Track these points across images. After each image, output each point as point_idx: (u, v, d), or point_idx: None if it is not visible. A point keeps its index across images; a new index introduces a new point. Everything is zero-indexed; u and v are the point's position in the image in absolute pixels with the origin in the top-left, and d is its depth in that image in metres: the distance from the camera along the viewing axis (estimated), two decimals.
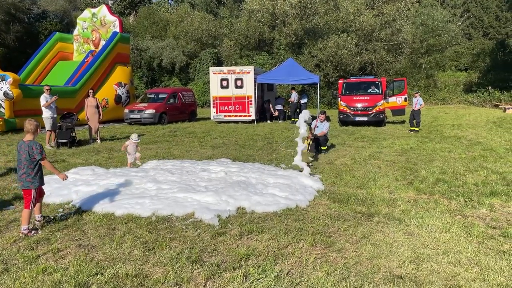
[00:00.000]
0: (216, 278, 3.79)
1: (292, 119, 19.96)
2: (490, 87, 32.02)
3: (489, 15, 42.96)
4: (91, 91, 13.16)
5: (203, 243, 4.63)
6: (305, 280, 3.76)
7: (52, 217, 5.43)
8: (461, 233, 4.88)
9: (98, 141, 12.66)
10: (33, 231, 4.94)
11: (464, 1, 44.44)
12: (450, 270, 3.92)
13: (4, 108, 15.08)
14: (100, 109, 12.97)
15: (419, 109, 15.54)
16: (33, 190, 4.94)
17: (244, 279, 3.74)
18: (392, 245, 4.52)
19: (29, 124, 5.02)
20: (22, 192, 5.06)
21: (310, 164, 9.08)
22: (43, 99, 11.68)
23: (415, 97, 15.87)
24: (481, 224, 5.22)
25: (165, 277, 3.79)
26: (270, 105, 20.94)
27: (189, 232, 4.96)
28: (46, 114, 11.63)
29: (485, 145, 11.74)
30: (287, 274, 3.87)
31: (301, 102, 20.73)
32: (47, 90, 11.92)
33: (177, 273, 3.86)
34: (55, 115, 11.83)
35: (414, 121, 15.60)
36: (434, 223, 5.24)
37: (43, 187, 5.22)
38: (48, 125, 11.69)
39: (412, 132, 15.11)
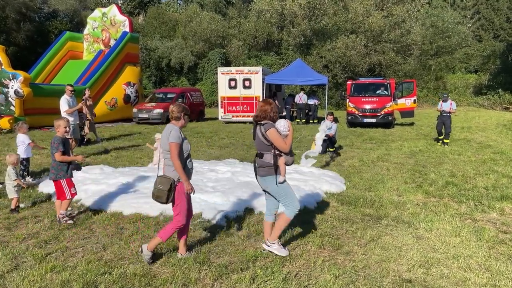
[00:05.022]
0: (223, 279, 3.78)
1: (297, 120, 19.96)
2: (500, 90, 31.65)
3: (499, 17, 42.55)
4: (88, 90, 12.64)
5: (210, 243, 4.63)
6: (313, 282, 3.74)
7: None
8: (471, 238, 4.82)
9: (87, 137, 12.32)
10: (65, 219, 5.24)
11: (474, 3, 44.06)
12: (460, 275, 3.87)
13: (14, 107, 15.22)
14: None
15: (449, 114, 12.39)
16: (61, 181, 5.23)
17: (251, 281, 3.73)
18: (401, 249, 4.48)
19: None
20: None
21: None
22: (64, 103, 9.66)
23: (446, 101, 12.60)
24: (492, 228, 5.16)
25: (172, 277, 3.79)
26: (276, 101, 20.91)
27: (196, 233, 4.96)
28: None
29: (495, 148, 11.62)
30: (294, 276, 3.85)
31: (309, 103, 20.68)
32: (71, 91, 9.83)
33: (184, 274, 3.86)
34: (77, 122, 10.05)
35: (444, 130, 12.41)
36: (443, 226, 5.18)
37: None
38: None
39: (445, 145, 12.22)
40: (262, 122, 4.17)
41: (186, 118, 4.14)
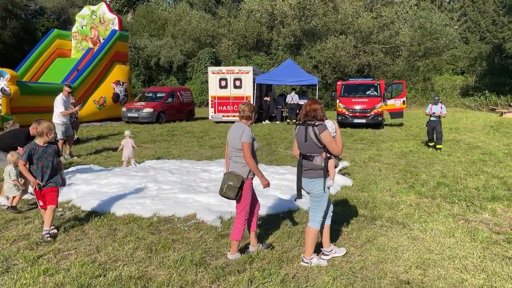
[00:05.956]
0: (221, 282, 3.73)
1: (288, 121, 19.96)
2: (486, 91, 32.13)
3: (486, 20, 43.14)
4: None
5: (206, 245, 4.58)
6: (311, 284, 3.71)
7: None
8: (465, 238, 4.86)
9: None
10: (46, 236, 4.67)
11: (461, 5, 44.64)
12: (457, 276, 3.88)
13: (1, 105, 14.92)
14: None
15: (439, 119, 11.64)
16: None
17: (249, 283, 3.69)
18: (397, 250, 4.49)
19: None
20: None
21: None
22: (60, 104, 9.24)
23: (437, 104, 11.71)
24: (485, 229, 5.20)
25: (169, 279, 3.73)
26: (267, 98, 20.88)
27: (191, 234, 4.91)
28: (57, 120, 9.12)
29: (483, 149, 11.75)
30: (292, 278, 3.82)
31: (300, 103, 20.69)
32: (68, 92, 9.54)
33: (181, 276, 3.80)
34: (68, 122, 9.65)
35: (435, 135, 11.69)
36: (437, 227, 5.21)
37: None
38: (59, 132, 9.05)
39: (439, 150, 11.43)
40: (316, 123, 3.96)
41: (254, 116, 4.28)
